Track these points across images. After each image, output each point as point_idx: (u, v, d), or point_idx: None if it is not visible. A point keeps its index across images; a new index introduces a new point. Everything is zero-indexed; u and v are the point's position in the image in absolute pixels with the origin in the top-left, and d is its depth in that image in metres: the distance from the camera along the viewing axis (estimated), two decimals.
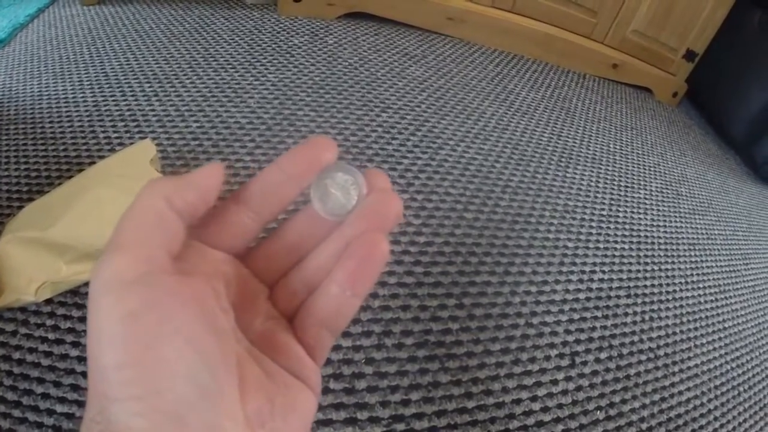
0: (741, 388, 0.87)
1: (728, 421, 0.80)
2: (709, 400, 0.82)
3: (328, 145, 0.24)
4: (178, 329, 0.18)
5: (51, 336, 0.68)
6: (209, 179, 0.22)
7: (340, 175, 0.23)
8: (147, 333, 0.18)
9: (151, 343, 0.18)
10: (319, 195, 0.23)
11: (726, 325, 0.97)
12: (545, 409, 0.70)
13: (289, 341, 0.23)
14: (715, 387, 0.85)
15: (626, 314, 0.88)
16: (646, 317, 0.90)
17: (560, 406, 0.72)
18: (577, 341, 0.81)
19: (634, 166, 1.28)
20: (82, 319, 0.70)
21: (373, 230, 0.22)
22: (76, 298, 0.72)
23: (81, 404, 0.66)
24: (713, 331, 0.94)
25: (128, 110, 1.08)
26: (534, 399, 0.71)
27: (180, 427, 0.17)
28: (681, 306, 0.95)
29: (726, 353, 0.91)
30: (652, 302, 0.93)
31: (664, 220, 1.14)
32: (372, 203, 0.23)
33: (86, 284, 0.73)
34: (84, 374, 0.64)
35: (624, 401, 0.76)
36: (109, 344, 0.18)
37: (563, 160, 1.20)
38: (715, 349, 0.91)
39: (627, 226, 1.07)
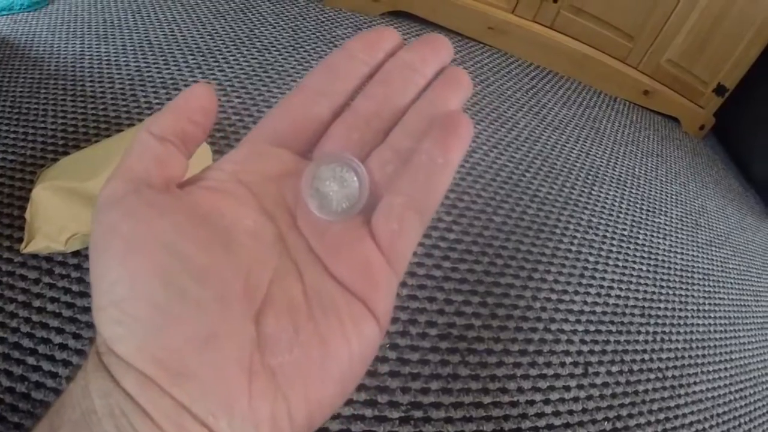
0: (742, 420, 0.88)
1: None
2: (711, 427, 0.83)
3: (390, 32, 0.23)
4: (157, 237, 0.18)
5: (75, 288, 0.68)
6: (188, 102, 0.21)
7: (323, 170, 0.21)
8: (125, 242, 0.18)
9: (129, 251, 0.18)
10: (317, 202, 0.21)
11: (733, 357, 0.98)
12: (556, 414, 0.72)
13: (360, 239, 0.21)
14: (718, 414, 0.86)
15: (639, 332, 0.90)
16: (658, 338, 0.91)
17: (571, 412, 0.73)
18: (591, 352, 0.82)
19: (656, 192, 1.30)
20: None
21: (452, 107, 0.22)
22: None
23: None
24: (720, 361, 0.95)
25: (170, 79, 1.10)
26: (546, 402, 0.73)
27: (156, 334, 0.17)
28: (691, 332, 0.97)
29: (731, 383, 0.93)
30: (664, 324, 0.94)
31: (682, 248, 1.16)
32: (443, 78, 0.23)
33: None
34: None
35: (631, 416, 0.77)
36: (94, 256, 0.18)
37: (590, 177, 1.21)
38: (720, 378, 0.92)
39: (646, 249, 1.09)
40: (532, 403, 0.72)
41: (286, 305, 0.19)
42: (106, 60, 1.14)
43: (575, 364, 0.79)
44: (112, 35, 1.24)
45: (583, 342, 0.83)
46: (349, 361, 0.19)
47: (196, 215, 0.19)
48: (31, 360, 0.60)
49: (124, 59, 1.15)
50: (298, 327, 0.19)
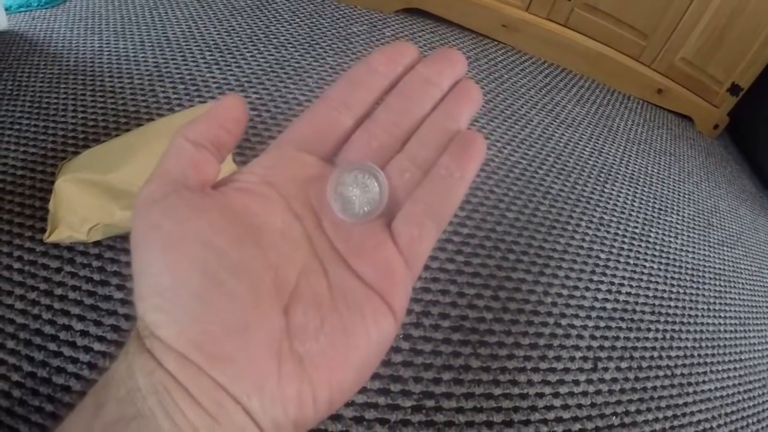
0: (750, 420, 0.89)
1: None
2: (719, 426, 0.84)
3: (409, 47, 0.25)
4: (195, 234, 0.20)
5: (96, 277, 0.70)
6: (221, 111, 0.23)
7: (346, 176, 0.23)
8: (165, 238, 0.20)
9: (169, 246, 0.19)
10: (340, 205, 0.23)
11: (742, 357, 0.99)
12: (565, 407, 0.73)
13: (381, 241, 0.23)
14: (726, 414, 0.86)
15: (649, 330, 0.91)
16: (668, 336, 0.92)
17: (579, 406, 0.74)
18: (601, 348, 0.83)
19: (669, 191, 1.30)
20: (129, 264, 0.72)
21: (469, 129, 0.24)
22: (125, 243, 0.74)
23: (120, 345, 0.69)
24: (729, 360, 0.96)
25: (189, 74, 1.12)
26: (556, 395, 0.74)
27: (195, 320, 0.19)
28: (701, 331, 0.97)
29: (740, 383, 0.93)
30: (674, 322, 0.95)
31: (693, 247, 1.16)
32: (455, 92, 0.25)
33: None
34: (126, 317, 0.66)
35: (639, 412, 0.78)
36: (136, 251, 0.20)
37: (602, 175, 1.22)
38: (729, 377, 0.93)
39: (657, 247, 1.10)
40: (541, 395, 0.73)
41: (313, 298, 0.21)
42: (125, 56, 1.16)
43: (585, 358, 0.80)
44: (130, 31, 1.26)
45: (593, 337, 0.84)
46: (367, 351, 0.21)
47: (229, 214, 0.21)
48: (52, 346, 0.62)
49: (143, 55, 1.17)
50: (323, 318, 0.20)
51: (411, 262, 0.23)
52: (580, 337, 0.83)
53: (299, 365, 0.19)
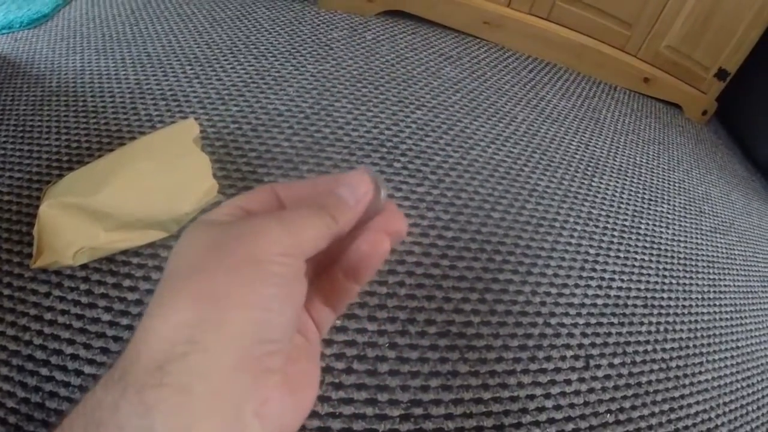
0: (750, 408, 0.88)
1: None
2: (717, 416, 0.83)
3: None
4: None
5: (84, 300, 0.70)
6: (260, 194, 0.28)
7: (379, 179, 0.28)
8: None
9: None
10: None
11: (739, 344, 0.98)
12: (557, 408, 0.72)
13: (305, 315, 0.28)
14: (724, 404, 0.86)
15: (642, 323, 0.90)
16: (661, 328, 0.91)
17: (572, 405, 0.74)
18: (593, 345, 0.82)
19: (659, 181, 1.29)
20: (116, 286, 0.73)
21: (380, 235, 0.27)
22: (111, 265, 0.74)
23: (109, 367, 0.69)
24: (726, 349, 0.95)
25: (170, 90, 1.11)
26: (547, 396, 0.73)
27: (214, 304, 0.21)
28: (696, 321, 0.97)
29: (737, 372, 0.92)
30: (668, 314, 0.94)
31: (685, 236, 1.15)
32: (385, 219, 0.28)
33: (122, 252, 0.76)
34: (115, 339, 0.67)
35: (634, 407, 0.77)
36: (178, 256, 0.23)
37: (590, 169, 1.21)
38: (726, 366, 0.92)
39: (648, 239, 1.09)
40: (532, 397, 0.72)
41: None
42: (106, 74, 1.16)
43: (576, 357, 0.80)
44: (111, 49, 1.26)
45: (584, 335, 0.83)
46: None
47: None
48: (44, 371, 0.62)
49: (124, 72, 1.17)
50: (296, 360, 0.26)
51: (321, 331, 0.29)
52: (570, 335, 0.82)
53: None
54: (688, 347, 0.91)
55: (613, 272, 0.97)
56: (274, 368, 0.22)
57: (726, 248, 1.19)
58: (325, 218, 0.24)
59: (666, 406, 0.80)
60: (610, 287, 0.93)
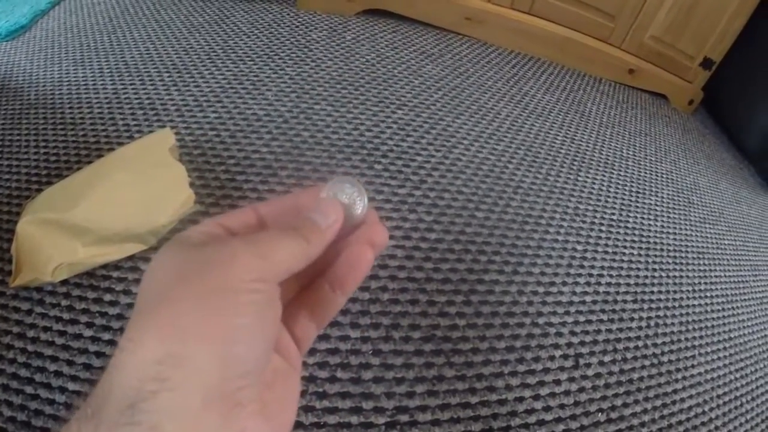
0: (744, 399, 0.87)
1: (729, 431, 0.80)
2: (711, 409, 0.82)
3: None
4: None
5: (66, 316, 0.70)
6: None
7: (348, 187, 0.28)
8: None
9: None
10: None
11: (732, 336, 0.97)
12: (547, 409, 0.71)
13: (285, 334, 0.27)
14: (718, 396, 0.85)
15: (632, 319, 0.89)
16: (652, 323, 0.90)
17: (562, 406, 0.72)
18: (582, 343, 0.81)
19: (646, 172, 1.28)
20: (97, 301, 0.71)
21: (364, 246, 0.27)
22: (91, 279, 0.73)
23: (93, 384, 0.68)
24: (718, 341, 0.94)
25: (147, 99, 1.10)
26: (536, 398, 0.72)
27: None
28: (687, 314, 0.96)
29: (730, 363, 0.91)
30: (658, 308, 0.93)
31: (674, 228, 1.14)
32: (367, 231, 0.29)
33: (102, 267, 0.75)
34: (97, 354, 0.66)
35: (626, 405, 0.76)
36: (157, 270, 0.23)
37: (575, 163, 1.20)
38: (719, 358, 0.91)
39: (636, 232, 1.08)
40: (521, 399, 0.71)
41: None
42: (84, 84, 1.14)
43: (565, 356, 0.78)
44: (89, 59, 1.24)
45: (572, 333, 0.82)
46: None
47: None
48: (29, 389, 0.62)
49: (102, 82, 1.15)
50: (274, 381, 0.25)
51: (302, 348, 0.28)
52: (559, 334, 0.81)
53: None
54: (679, 341, 0.90)
55: (602, 268, 0.96)
56: (247, 401, 0.21)
57: (716, 238, 1.19)
58: (298, 239, 0.24)
59: (659, 402, 0.79)
60: (599, 283, 0.92)
